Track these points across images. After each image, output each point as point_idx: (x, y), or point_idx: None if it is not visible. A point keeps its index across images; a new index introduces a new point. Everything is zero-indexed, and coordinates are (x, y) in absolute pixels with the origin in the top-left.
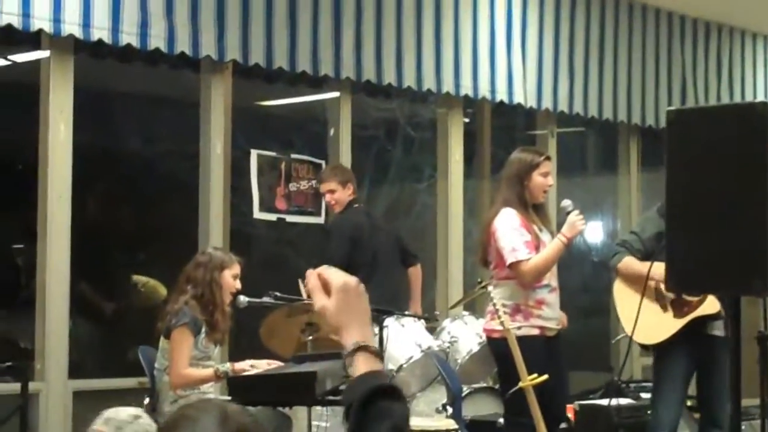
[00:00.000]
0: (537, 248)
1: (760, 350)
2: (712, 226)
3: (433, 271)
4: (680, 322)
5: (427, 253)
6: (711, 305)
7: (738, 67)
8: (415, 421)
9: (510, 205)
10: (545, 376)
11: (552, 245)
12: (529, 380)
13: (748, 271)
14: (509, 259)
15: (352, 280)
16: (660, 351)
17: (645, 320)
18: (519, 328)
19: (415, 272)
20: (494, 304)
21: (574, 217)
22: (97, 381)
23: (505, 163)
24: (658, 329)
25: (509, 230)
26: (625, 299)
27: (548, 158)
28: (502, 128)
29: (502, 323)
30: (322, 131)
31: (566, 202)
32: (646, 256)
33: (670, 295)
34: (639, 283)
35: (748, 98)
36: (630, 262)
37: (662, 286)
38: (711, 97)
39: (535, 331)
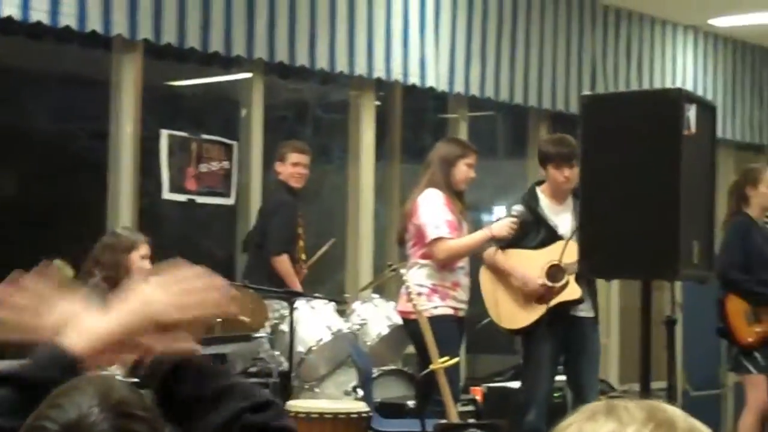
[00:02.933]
0: (457, 232)
1: (667, 334)
2: (624, 211)
3: (343, 253)
4: (542, 308)
5: (336, 234)
6: (572, 292)
7: (647, 54)
8: (324, 404)
9: (435, 187)
10: (457, 359)
11: (476, 235)
12: (440, 362)
13: (659, 257)
14: (431, 234)
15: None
16: (527, 335)
17: (508, 306)
18: (435, 307)
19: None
20: (407, 286)
21: (510, 221)
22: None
23: (423, 147)
24: (521, 315)
25: (433, 208)
26: (491, 286)
27: (476, 152)
28: (413, 111)
29: (414, 305)
30: (233, 112)
31: (518, 207)
32: (508, 243)
33: (538, 282)
34: (499, 272)
35: (657, 85)
36: (496, 258)
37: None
38: (620, 83)
39: (450, 311)
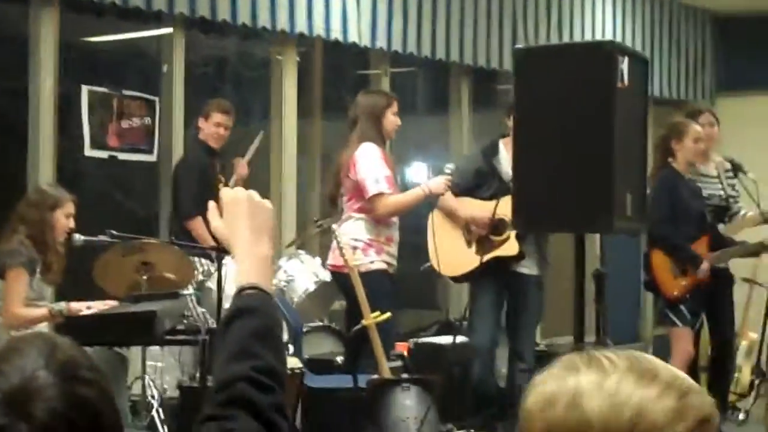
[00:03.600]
0: (394, 187)
1: (596, 287)
2: (558, 165)
3: None
4: (479, 259)
5: (259, 191)
6: (511, 247)
7: (567, 9)
8: None
9: (370, 140)
10: (388, 314)
11: (414, 191)
12: (372, 318)
13: (593, 210)
14: (372, 190)
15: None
16: (473, 285)
17: (450, 253)
18: (372, 262)
19: None
20: (338, 240)
21: (444, 179)
22: None
23: (343, 104)
24: (459, 263)
25: (372, 162)
26: (436, 231)
27: (397, 99)
28: (333, 68)
29: (345, 260)
30: (154, 68)
31: (450, 166)
32: (462, 191)
33: (480, 232)
34: (450, 217)
35: (577, 40)
36: (445, 197)
37: (475, 214)
38: (541, 37)
39: (384, 266)
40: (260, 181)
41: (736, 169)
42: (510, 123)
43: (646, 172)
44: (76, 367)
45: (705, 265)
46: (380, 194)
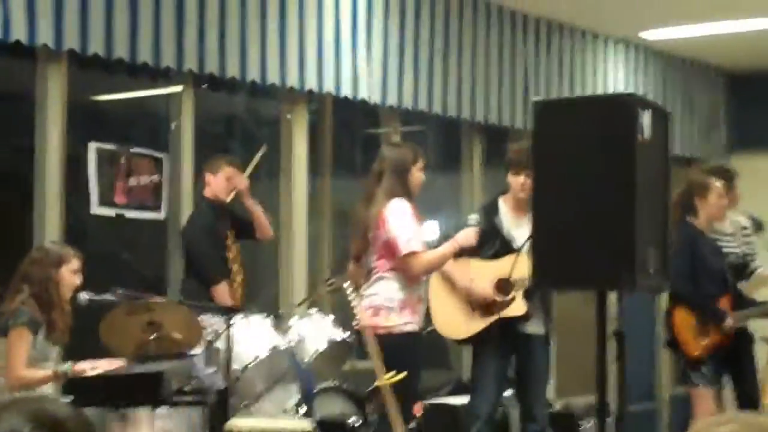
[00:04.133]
0: (425, 244)
1: (618, 347)
2: (578, 220)
3: (275, 268)
4: (485, 321)
5: (268, 250)
6: (518, 307)
7: (579, 67)
8: (263, 423)
9: (398, 196)
10: (404, 374)
11: (446, 247)
12: (386, 378)
13: (616, 267)
14: (405, 249)
15: None
16: (475, 348)
17: (452, 317)
18: (406, 323)
19: None
20: (351, 299)
21: (471, 231)
22: None
23: (353, 162)
24: (462, 326)
25: (404, 220)
26: (438, 294)
27: (424, 156)
28: (343, 126)
29: (359, 321)
30: (162, 125)
31: (473, 217)
32: (463, 252)
33: (483, 294)
34: (450, 280)
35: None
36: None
37: (473, 287)
38: (552, 96)
39: (417, 328)
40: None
41: (758, 225)
42: (511, 179)
43: (668, 228)
44: (65, 426)
45: (730, 321)
46: (413, 253)
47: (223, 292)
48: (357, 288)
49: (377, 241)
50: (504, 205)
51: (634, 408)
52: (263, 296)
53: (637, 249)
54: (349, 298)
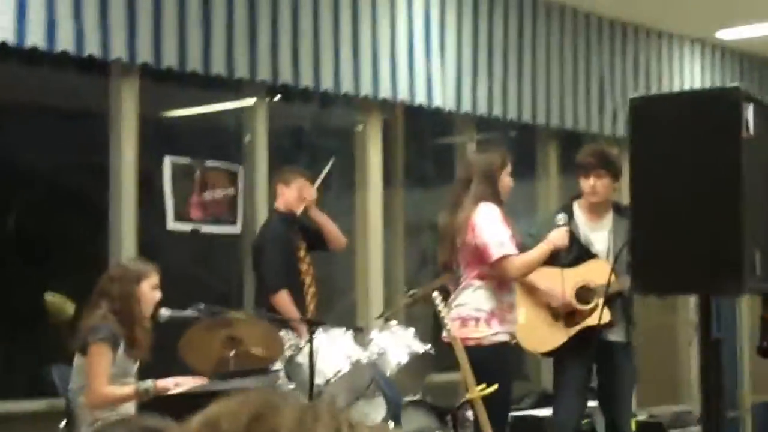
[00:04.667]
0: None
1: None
2: (681, 222)
3: (352, 281)
4: (570, 331)
5: (343, 263)
6: (602, 315)
7: (655, 69)
8: None
9: (487, 201)
10: (495, 386)
11: (538, 248)
12: (477, 391)
13: (720, 270)
14: (496, 253)
15: None
16: (557, 359)
17: (536, 328)
18: (495, 334)
19: None
20: (440, 310)
21: (564, 231)
22: (3, 404)
23: (425, 172)
24: (547, 338)
25: (494, 224)
26: (518, 305)
27: (512, 160)
28: (414, 135)
29: (448, 331)
30: (236, 138)
31: (561, 216)
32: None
33: (566, 303)
34: (531, 289)
35: None
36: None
37: (555, 295)
38: (628, 98)
39: (508, 338)
40: (344, 252)
41: None
42: (582, 182)
43: None
44: None
45: None
46: (507, 256)
47: (284, 301)
48: (445, 298)
49: (466, 248)
50: (578, 210)
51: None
52: (338, 310)
53: (744, 250)
54: (438, 308)
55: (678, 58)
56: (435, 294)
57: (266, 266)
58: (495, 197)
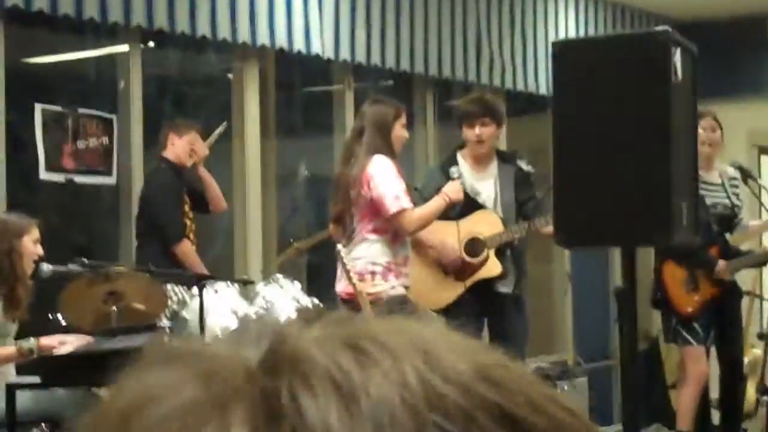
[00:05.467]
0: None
1: (618, 306)
2: (606, 172)
3: (230, 235)
4: (462, 286)
5: (224, 219)
6: (493, 267)
7: (530, 21)
8: None
9: (380, 153)
10: None
11: (434, 202)
12: None
13: (648, 221)
14: (393, 207)
15: None
16: (448, 314)
17: (426, 285)
18: (393, 287)
19: None
20: (345, 264)
21: (458, 184)
22: None
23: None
24: (440, 295)
25: (389, 177)
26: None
27: (405, 110)
28: (286, 83)
29: (354, 287)
30: (109, 86)
31: (454, 169)
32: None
33: (455, 257)
34: (418, 244)
35: (540, 47)
36: None
37: (444, 250)
38: (505, 49)
39: (403, 291)
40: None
41: (745, 174)
42: (466, 132)
43: (698, 176)
44: None
45: (722, 264)
46: (403, 210)
47: (187, 251)
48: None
49: (361, 200)
50: (463, 160)
51: (591, 366)
52: (218, 265)
53: (672, 201)
54: (343, 261)
55: (553, 11)
56: (340, 246)
57: (166, 215)
58: (388, 149)
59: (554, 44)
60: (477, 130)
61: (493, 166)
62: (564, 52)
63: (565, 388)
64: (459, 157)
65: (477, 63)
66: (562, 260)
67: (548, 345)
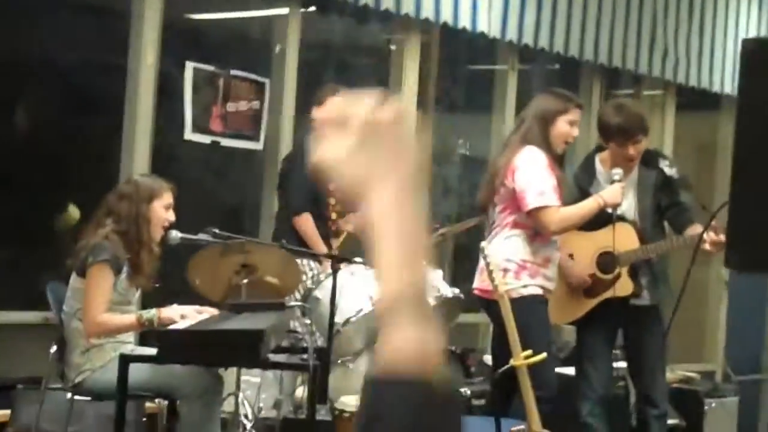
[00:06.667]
0: (561, 201)
1: None
2: None
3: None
4: (590, 303)
5: None
6: (625, 286)
7: (710, 11)
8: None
9: (533, 144)
10: (543, 355)
11: (587, 203)
12: (522, 357)
13: None
14: (533, 203)
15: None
16: (579, 328)
17: (556, 300)
18: (525, 286)
19: None
20: (486, 259)
21: (618, 188)
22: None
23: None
24: (566, 309)
25: (536, 170)
26: None
27: (580, 106)
28: (449, 59)
29: (494, 286)
30: (264, 49)
31: (617, 170)
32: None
33: (582, 278)
34: None
35: (718, 44)
36: None
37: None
38: (680, 40)
39: (540, 291)
40: None
41: None
42: (622, 149)
43: None
44: None
45: None
46: (544, 207)
47: (307, 224)
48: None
49: (502, 191)
50: (601, 167)
51: (741, 378)
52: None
53: None
54: (487, 259)
55: (734, 8)
56: (483, 244)
57: (292, 185)
58: (544, 143)
59: (745, 42)
60: (631, 150)
61: (634, 172)
62: (755, 50)
63: (713, 405)
64: (597, 161)
65: (650, 54)
66: (719, 265)
67: (696, 353)
